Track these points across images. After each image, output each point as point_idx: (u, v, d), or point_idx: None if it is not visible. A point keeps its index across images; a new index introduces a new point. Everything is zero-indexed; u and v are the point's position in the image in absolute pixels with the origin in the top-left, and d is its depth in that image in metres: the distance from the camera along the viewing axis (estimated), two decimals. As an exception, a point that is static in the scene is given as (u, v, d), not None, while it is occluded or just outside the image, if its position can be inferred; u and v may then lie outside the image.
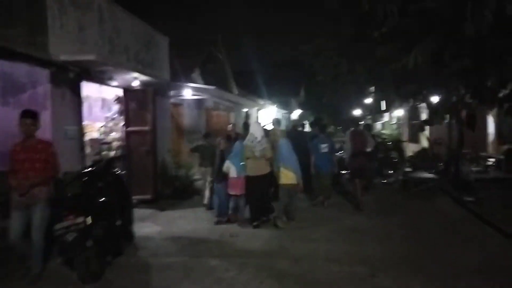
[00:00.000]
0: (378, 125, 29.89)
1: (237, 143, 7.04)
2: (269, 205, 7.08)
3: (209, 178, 7.90)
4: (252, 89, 19.82)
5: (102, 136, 8.98)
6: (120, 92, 9.00)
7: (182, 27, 13.22)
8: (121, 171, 7.92)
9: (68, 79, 6.64)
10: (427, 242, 5.64)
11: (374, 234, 6.13)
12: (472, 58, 5.44)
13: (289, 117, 27.10)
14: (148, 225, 6.95)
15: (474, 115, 7.77)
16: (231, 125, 9.78)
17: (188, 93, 11.47)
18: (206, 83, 13.26)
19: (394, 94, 10.56)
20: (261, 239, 5.97)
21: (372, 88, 18.14)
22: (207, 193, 8.13)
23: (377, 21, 6.63)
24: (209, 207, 7.85)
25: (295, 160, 6.82)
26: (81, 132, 7.11)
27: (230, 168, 6.77)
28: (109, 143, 9.03)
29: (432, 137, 11.96)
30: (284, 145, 6.89)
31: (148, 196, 8.33)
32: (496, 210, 7.11)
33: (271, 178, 6.92)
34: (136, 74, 8.06)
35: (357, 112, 43.59)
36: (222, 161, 6.96)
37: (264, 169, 6.72)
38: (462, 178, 9.97)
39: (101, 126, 9.15)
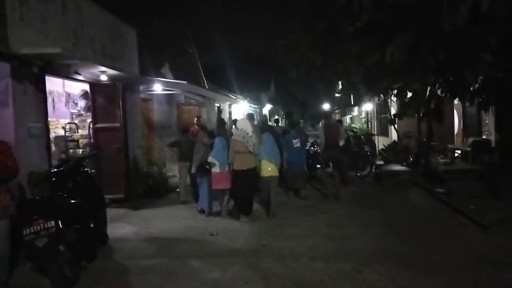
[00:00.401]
0: (347, 119, 30.43)
1: (218, 139, 7.14)
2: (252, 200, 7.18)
3: (184, 173, 8.24)
4: (223, 84, 19.57)
5: (68, 134, 8.50)
6: (86, 87, 8.55)
7: (151, 20, 12.78)
8: (91, 169, 7.58)
9: (31, 73, 6.19)
10: (407, 235, 5.68)
11: (353, 228, 6.12)
12: (447, 53, 5.51)
13: (260, 112, 27.04)
14: (122, 225, 6.64)
15: (442, 108, 8.00)
16: (196, 118, 9.95)
17: (158, 87, 11.12)
18: (176, 78, 12.92)
19: (366, 89, 10.68)
20: (242, 237, 5.84)
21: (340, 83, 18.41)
22: (182, 189, 8.36)
23: (352, 15, 6.61)
24: (195, 199, 7.86)
25: (277, 153, 7.14)
26: (46, 129, 6.67)
27: (212, 163, 6.88)
28: (76, 140, 8.57)
29: (401, 130, 12.21)
30: (267, 138, 7.12)
31: (120, 195, 7.98)
32: (468, 201, 7.29)
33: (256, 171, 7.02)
34: (103, 68, 7.66)
35: (325, 106, 44.33)
36: (206, 155, 7.08)
37: (252, 163, 6.84)
38: (432, 170, 10.26)
39: (67, 123, 8.66)
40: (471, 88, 6.58)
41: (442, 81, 6.97)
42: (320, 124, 9.48)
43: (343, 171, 9.28)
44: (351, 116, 28.74)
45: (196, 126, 9.72)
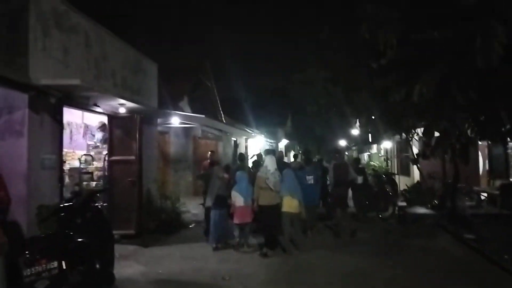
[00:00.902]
0: (364, 157, 29.87)
1: (239, 173, 7.52)
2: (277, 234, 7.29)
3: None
4: (240, 118, 19.53)
5: (83, 165, 8.37)
6: (104, 119, 8.50)
7: (170, 53, 12.97)
8: (103, 203, 7.36)
9: (49, 104, 6.14)
10: None
11: (378, 278, 5.64)
12: (479, 91, 5.20)
13: (276, 147, 26.81)
14: (131, 264, 6.31)
15: (469, 148, 7.58)
16: (210, 153, 9.83)
17: (176, 121, 11.06)
18: (193, 111, 12.91)
19: (387, 126, 10.36)
20: (257, 284, 5.41)
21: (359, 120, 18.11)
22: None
23: (376, 51, 6.43)
24: (206, 234, 7.91)
25: (299, 189, 7.30)
26: (60, 161, 6.54)
27: (237, 197, 7.14)
28: (90, 172, 8.43)
29: (425, 171, 11.73)
30: (289, 174, 7.35)
31: (131, 231, 7.68)
32: (501, 250, 6.75)
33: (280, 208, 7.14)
34: (122, 101, 7.62)
35: (342, 142, 43.86)
36: (222, 189, 7.41)
37: (276, 199, 7.06)
38: (459, 214, 9.70)
39: (83, 155, 8.56)
40: (503, 128, 6.19)
41: (471, 120, 6.61)
42: (329, 163, 9.71)
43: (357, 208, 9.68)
44: (369, 153, 28.19)
45: (208, 161, 9.57)
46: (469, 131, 6.81)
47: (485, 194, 12.08)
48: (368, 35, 6.05)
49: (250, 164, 9.49)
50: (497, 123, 5.95)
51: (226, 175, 7.74)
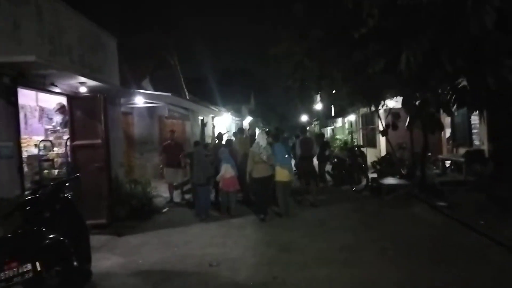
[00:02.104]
0: (327, 131, 30.26)
1: (224, 149, 8.65)
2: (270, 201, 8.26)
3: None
4: (205, 97, 18.89)
5: (42, 152, 7.63)
6: (63, 100, 7.74)
7: (131, 30, 12.02)
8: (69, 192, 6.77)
9: (1, 85, 5.41)
10: (429, 260, 5.11)
11: (368, 252, 5.55)
12: (467, 58, 5.10)
13: (241, 124, 26.49)
14: (107, 256, 5.85)
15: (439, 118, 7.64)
16: (170, 132, 10.57)
17: (140, 100, 10.40)
18: (157, 90, 12.19)
19: (362, 98, 10.30)
20: (247, 267, 5.16)
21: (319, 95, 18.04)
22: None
23: (358, 20, 6.17)
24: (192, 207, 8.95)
25: (289, 160, 8.30)
26: (18, 148, 5.85)
27: (227, 169, 8.22)
28: (51, 160, 7.70)
29: (393, 142, 11.87)
30: (279, 148, 8.18)
31: (102, 221, 7.17)
32: (474, 216, 6.93)
33: (273, 178, 7.98)
34: (83, 79, 6.96)
35: (304, 118, 44.28)
36: (208, 167, 8.51)
37: (268, 171, 7.88)
38: (429, 182, 9.92)
39: (41, 140, 7.80)
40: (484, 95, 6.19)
41: (449, 88, 6.58)
42: (298, 139, 10.09)
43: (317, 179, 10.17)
44: (332, 128, 28.56)
45: (169, 141, 10.10)
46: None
47: (449, 162, 12.51)
48: (351, 4, 5.76)
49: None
50: (479, 90, 5.93)
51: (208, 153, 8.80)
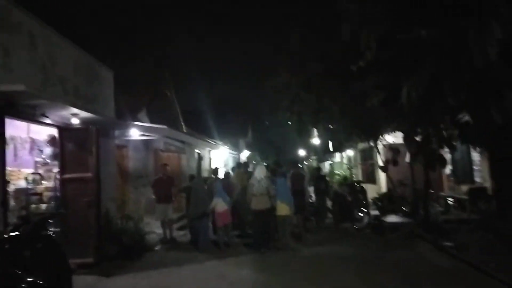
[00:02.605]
0: (325, 165, 30.00)
1: (218, 184, 8.76)
2: (271, 235, 8.26)
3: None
4: (201, 130, 18.75)
5: (30, 186, 7.29)
6: (54, 132, 7.51)
7: (127, 62, 12.00)
8: (56, 229, 6.41)
9: (-13, 114, 5.19)
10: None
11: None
12: (471, 91, 4.94)
13: (238, 158, 26.24)
14: (91, 299, 5.41)
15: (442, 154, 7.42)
16: (161, 165, 10.38)
17: (135, 133, 10.16)
18: (153, 122, 12.02)
19: (360, 133, 10.13)
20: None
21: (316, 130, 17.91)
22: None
23: (354, 53, 6.09)
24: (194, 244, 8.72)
25: (290, 195, 8.31)
26: (2, 181, 5.54)
27: (219, 203, 8.28)
28: (39, 193, 7.34)
29: (393, 178, 11.61)
30: (280, 183, 8.34)
31: (89, 259, 6.73)
32: (484, 257, 6.57)
33: (273, 212, 8.05)
34: (75, 110, 6.74)
35: (301, 152, 44.09)
36: (205, 201, 8.54)
37: (266, 204, 7.96)
38: (432, 221, 9.60)
39: (30, 173, 7.49)
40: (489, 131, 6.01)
41: (452, 124, 6.40)
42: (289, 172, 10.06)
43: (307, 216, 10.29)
44: (330, 162, 28.30)
45: (161, 175, 9.74)
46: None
47: (451, 199, 12.20)
48: (349, 36, 5.69)
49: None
50: (482, 125, 5.76)
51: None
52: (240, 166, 11.68)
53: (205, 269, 6.94)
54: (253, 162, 26.28)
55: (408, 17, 5.07)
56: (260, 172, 8.17)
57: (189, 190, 9.15)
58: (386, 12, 5.23)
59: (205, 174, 14.69)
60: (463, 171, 12.41)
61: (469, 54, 4.48)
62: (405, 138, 6.92)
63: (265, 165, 10.45)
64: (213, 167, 11.65)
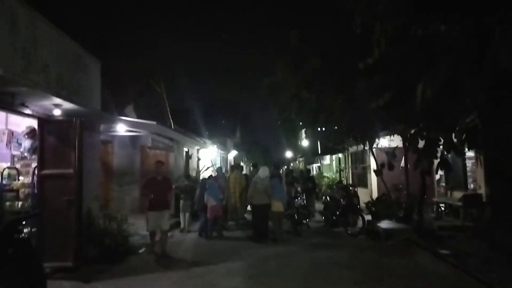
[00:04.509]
0: (313, 168, 29.75)
1: (212, 181, 10.11)
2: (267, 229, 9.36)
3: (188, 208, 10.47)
4: (190, 128, 18.22)
5: (6, 181, 6.71)
6: (34, 123, 6.94)
7: (116, 54, 11.39)
8: (31, 229, 5.86)
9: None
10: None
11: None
12: (490, 94, 4.61)
13: (226, 158, 25.74)
14: (68, 308, 4.89)
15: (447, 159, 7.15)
16: (156, 163, 8.40)
17: (122, 128, 9.63)
18: (140, 118, 11.48)
19: (358, 134, 9.80)
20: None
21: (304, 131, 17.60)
22: (183, 220, 10.60)
23: (363, 48, 5.72)
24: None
25: (284, 193, 9.71)
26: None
27: (210, 199, 9.52)
28: (15, 190, 6.77)
29: (389, 182, 11.33)
30: (275, 182, 9.45)
31: (68, 263, 6.19)
32: (483, 267, 6.36)
33: (269, 207, 9.19)
34: (58, 100, 6.22)
35: (288, 153, 43.84)
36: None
37: (265, 200, 9.17)
38: (427, 227, 9.35)
39: (6, 167, 6.90)
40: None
41: (460, 128, 6.09)
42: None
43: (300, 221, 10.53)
44: (319, 165, 28.07)
45: (155, 175, 8.08)
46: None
47: (443, 205, 11.99)
48: (360, 29, 5.31)
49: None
50: (492, 131, 5.46)
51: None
52: (238, 167, 12.25)
53: (193, 276, 6.42)
54: (241, 163, 25.87)
55: (428, 9, 4.70)
56: (264, 172, 9.38)
57: (191, 189, 10.36)
58: (405, 2, 4.86)
59: (192, 173, 14.19)
60: (456, 177, 12.22)
61: (494, 52, 4.14)
62: (410, 142, 6.58)
63: (253, 164, 11.11)
64: (203, 166, 12.67)
